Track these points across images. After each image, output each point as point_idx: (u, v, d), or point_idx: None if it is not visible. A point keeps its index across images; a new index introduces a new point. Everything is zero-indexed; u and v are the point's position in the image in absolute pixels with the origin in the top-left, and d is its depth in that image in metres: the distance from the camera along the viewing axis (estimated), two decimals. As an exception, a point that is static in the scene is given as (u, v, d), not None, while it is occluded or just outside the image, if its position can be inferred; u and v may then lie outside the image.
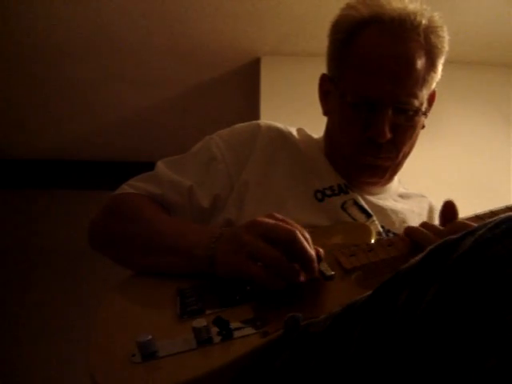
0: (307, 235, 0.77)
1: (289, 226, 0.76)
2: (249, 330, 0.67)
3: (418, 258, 0.51)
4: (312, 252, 0.75)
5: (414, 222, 1.01)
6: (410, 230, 0.84)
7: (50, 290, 3.22)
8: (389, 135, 0.94)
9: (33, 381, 3.04)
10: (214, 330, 0.67)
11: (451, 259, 0.46)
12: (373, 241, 0.87)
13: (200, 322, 0.66)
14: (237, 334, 0.67)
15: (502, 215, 0.47)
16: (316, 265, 0.75)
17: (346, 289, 0.76)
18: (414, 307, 0.47)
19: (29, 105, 2.81)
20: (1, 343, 3.13)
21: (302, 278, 0.74)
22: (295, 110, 2.30)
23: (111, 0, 2.13)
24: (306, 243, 0.75)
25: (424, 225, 0.84)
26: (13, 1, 2.12)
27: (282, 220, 0.79)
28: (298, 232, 0.75)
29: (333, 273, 0.77)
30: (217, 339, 0.66)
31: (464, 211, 0.90)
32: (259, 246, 0.75)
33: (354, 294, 0.61)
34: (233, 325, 0.67)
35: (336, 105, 1.01)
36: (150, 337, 0.65)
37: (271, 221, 0.78)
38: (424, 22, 0.94)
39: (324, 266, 0.79)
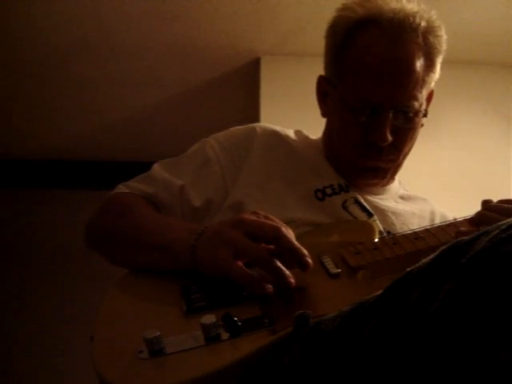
0: (291, 232, 0.76)
1: (274, 223, 0.76)
2: (257, 328, 0.67)
3: (430, 257, 0.52)
4: (300, 246, 0.74)
5: (415, 224, 1.01)
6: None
7: (51, 289, 3.21)
8: (390, 138, 0.94)
9: (34, 379, 3.03)
10: (222, 326, 0.67)
11: (465, 258, 0.47)
12: (376, 239, 0.87)
13: (208, 319, 0.65)
14: (245, 331, 0.67)
15: None
16: (308, 259, 0.73)
17: (352, 287, 0.76)
18: (427, 305, 0.47)
19: (28, 105, 2.80)
20: (0, 343, 3.12)
21: (292, 281, 0.72)
22: (295, 109, 2.30)
23: (111, 0, 2.13)
24: (293, 238, 0.74)
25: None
26: (13, 1, 2.11)
27: (265, 217, 0.78)
28: (283, 228, 0.74)
29: (339, 270, 0.78)
30: (225, 336, 0.66)
31: (464, 211, 0.91)
32: (246, 242, 0.74)
33: (361, 292, 0.61)
34: (241, 322, 0.67)
35: (335, 107, 1.01)
36: (158, 333, 0.65)
37: (256, 218, 0.77)
38: (423, 23, 0.93)
39: (329, 264, 0.79)
